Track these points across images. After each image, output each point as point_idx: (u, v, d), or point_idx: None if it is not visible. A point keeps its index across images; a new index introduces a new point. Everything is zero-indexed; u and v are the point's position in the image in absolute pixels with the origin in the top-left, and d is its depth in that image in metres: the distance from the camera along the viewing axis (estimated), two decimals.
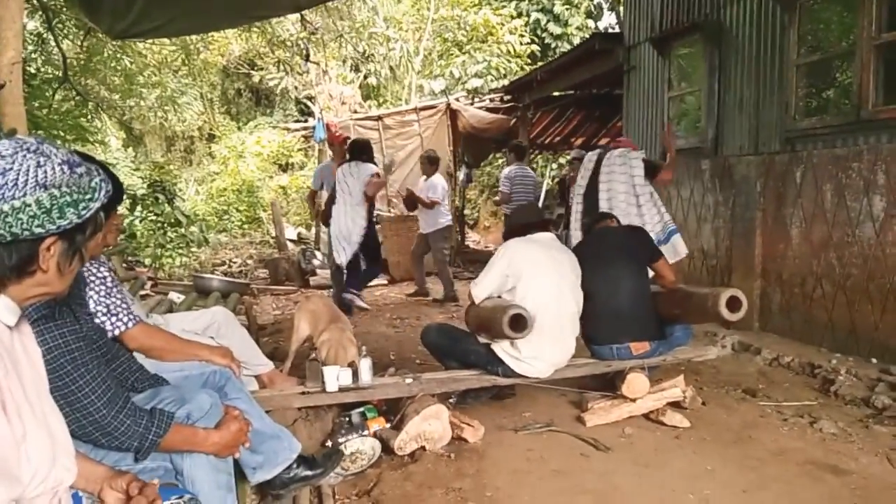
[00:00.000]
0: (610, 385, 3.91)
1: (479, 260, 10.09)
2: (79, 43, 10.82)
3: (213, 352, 2.60)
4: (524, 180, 8.29)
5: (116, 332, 2.45)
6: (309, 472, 2.65)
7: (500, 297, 3.72)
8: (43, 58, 10.71)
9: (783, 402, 3.99)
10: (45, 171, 1.18)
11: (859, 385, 4.11)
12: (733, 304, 3.51)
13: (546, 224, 4.14)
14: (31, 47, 10.05)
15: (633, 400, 3.67)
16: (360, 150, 6.64)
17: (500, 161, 16.41)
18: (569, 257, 3.91)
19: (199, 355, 2.56)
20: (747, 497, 2.78)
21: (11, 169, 1.16)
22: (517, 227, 4.01)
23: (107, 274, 2.54)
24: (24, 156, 1.18)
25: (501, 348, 3.62)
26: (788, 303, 5.26)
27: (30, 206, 1.16)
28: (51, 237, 1.22)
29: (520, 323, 3.30)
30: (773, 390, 4.25)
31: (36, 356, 1.38)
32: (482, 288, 3.75)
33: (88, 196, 1.24)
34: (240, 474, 2.40)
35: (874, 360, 4.43)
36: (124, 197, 9.96)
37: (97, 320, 2.42)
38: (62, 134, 8.85)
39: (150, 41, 11.76)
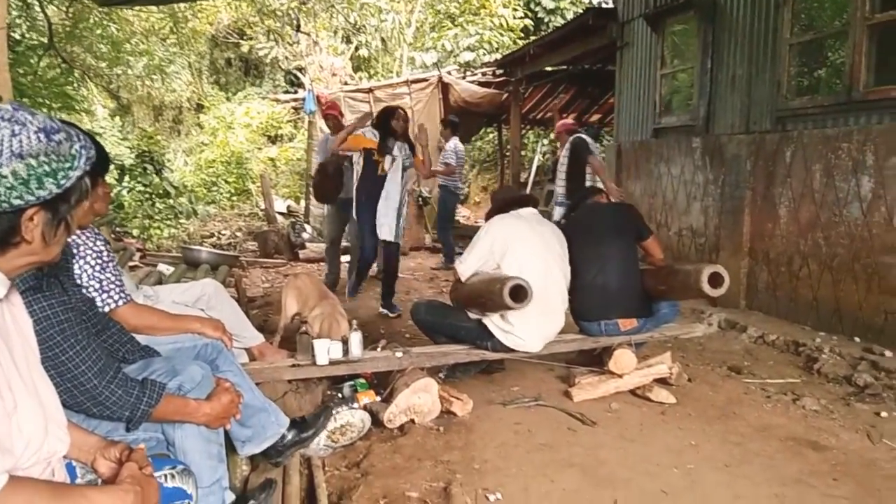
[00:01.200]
0: (597, 361, 3.96)
1: (468, 235, 10.05)
2: (64, 9, 10.64)
3: (204, 324, 2.60)
4: (460, 154, 8.66)
5: (107, 308, 2.43)
6: (301, 435, 2.68)
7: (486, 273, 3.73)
8: (28, 24, 10.51)
9: (767, 380, 4.05)
10: (21, 141, 1.15)
11: (842, 363, 4.18)
12: (715, 280, 3.53)
13: (528, 199, 4.17)
14: (15, 13, 9.84)
15: (621, 376, 3.71)
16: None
17: (490, 135, 16.37)
18: (553, 230, 3.94)
19: (191, 328, 2.56)
20: (730, 471, 2.83)
21: None
22: (500, 204, 4.02)
23: (102, 248, 2.52)
24: None
25: (492, 322, 3.65)
26: (775, 281, 5.31)
27: (6, 177, 1.13)
28: (32, 208, 1.19)
29: (520, 293, 3.31)
30: (758, 368, 4.31)
31: (26, 327, 1.38)
32: (468, 265, 3.77)
33: (68, 164, 1.21)
34: (231, 446, 2.42)
35: (857, 339, 4.50)
36: (112, 167, 9.91)
37: (89, 295, 2.41)
38: (47, 102, 8.73)
39: (138, 8, 11.56)
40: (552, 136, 13.46)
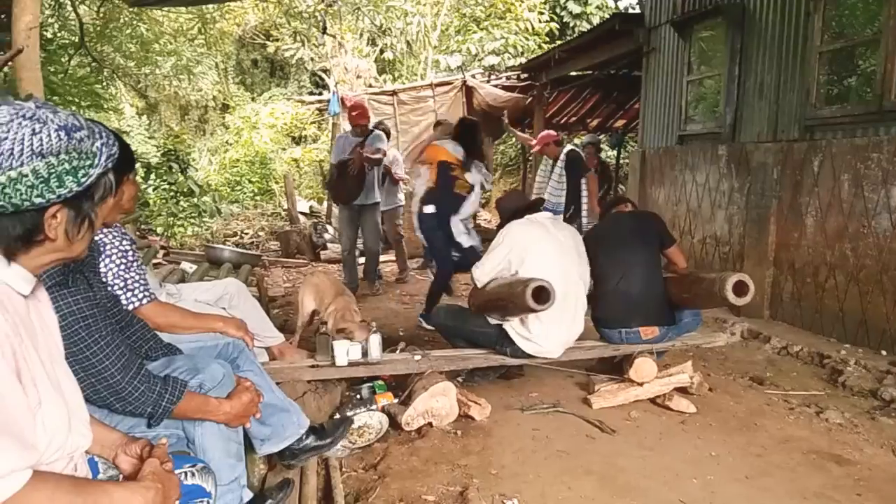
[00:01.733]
0: (617, 368, 3.93)
1: (489, 238, 10.06)
2: (95, 9, 10.81)
3: (227, 323, 2.62)
4: None
5: (131, 307, 2.46)
6: (318, 442, 2.68)
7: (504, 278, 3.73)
8: (59, 23, 10.71)
9: (790, 391, 3.99)
10: (41, 139, 1.14)
11: (868, 376, 4.11)
12: (740, 288, 3.49)
13: (537, 204, 4.18)
14: (47, 12, 10.03)
15: (641, 384, 3.68)
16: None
17: (513, 139, 16.33)
18: (571, 234, 3.91)
19: (214, 327, 2.58)
20: (750, 483, 2.80)
21: (6, 138, 1.12)
22: (511, 211, 4.01)
23: (128, 247, 2.55)
24: (20, 123, 1.14)
25: (512, 328, 3.64)
26: (800, 292, 5.24)
27: (27, 176, 1.13)
28: (55, 205, 1.19)
29: (543, 294, 3.28)
30: (781, 379, 4.25)
31: (52, 323, 1.40)
32: (484, 271, 3.77)
33: (88, 162, 1.20)
34: (248, 445, 2.44)
35: (884, 353, 4.42)
36: (138, 165, 10.04)
37: (113, 292, 2.44)
38: (77, 100, 8.88)
39: (167, 9, 11.72)
40: (576, 140, 13.43)
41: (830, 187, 4.93)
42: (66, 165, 1.17)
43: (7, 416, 1.10)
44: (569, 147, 6.77)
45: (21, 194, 1.13)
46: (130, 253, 2.57)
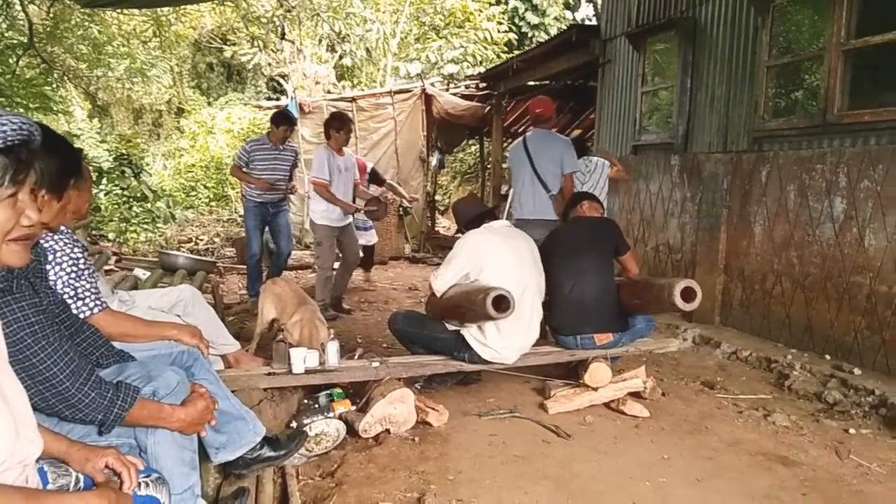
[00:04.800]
0: (573, 373, 3.99)
1: (448, 246, 10.10)
2: (45, 9, 10.54)
3: (181, 331, 2.58)
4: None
5: (82, 316, 2.40)
6: (273, 453, 2.66)
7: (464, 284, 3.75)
8: (7, 23, 10.40)
9: (739, 395, 4.10)
10: None
11: (812, 380, 4.25)
12: (688, 294, 3.58)
13: (494, 212, 4.23)
14: None
15: (595, 389, 3.74)
16: None
17: (472, 148, 16.43)
18: (527, 243, 3.94)
19: (168, 335, 2.53)
20: (701, 485, 2.87)
21: None
22: (469, 218, 4.01)
23: (80, 255, 2.49)
24: None
25: (470, 334, 3.66)
26: (749, 298, 5.39)
27: None
28: None
29: (503, 303, 3.32)
30: (731, 383, 4.37)
31: None
32: (443, 281, 3.78)
33: None
34: (203, 454, 2.40)
35: (828, 357, 4.57)
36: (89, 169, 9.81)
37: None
38: (24, 102, 8.64)
39: (120, 10, 11.49)
40: None
41: (777, 197, 5.09)
42: None
43: None
44: None
45: None
46: (82, 261, 2.51)
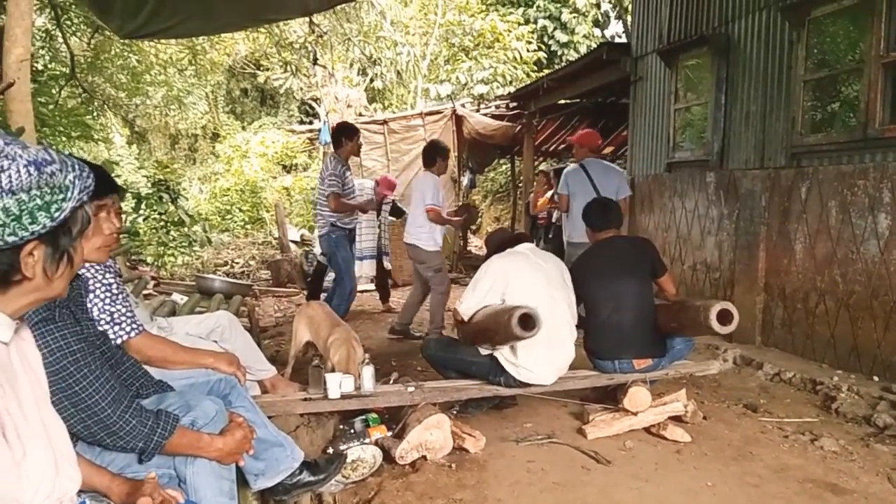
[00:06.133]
0: (611, 397, 3.91)
1: (478, 266, 10.08)
2: (86, 40, 10.87)
3: (218, 359, 2.60)
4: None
5: (119, 340, 2.44)
6: (312, 478, 2.65)
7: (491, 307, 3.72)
8: (50, 54, 10.75)
9: (784, 419, 3.98)
10: (10, 176, 1.11)
11: (861, 403, 4.11)
12: (724, 317, 3.50)
13: (522, 237, 4.22)
14: (38, 43, 10.07)
15: (635, 413, 3.66)
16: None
17: (504, 167, 16.44)
18: (555, 263, 3.93)
19: (205, 363, 2.56)
20: None
21: None
22: (496, 246, 4.05)
23: (112, 280, 2.53)
24: None
25: (503, 356, 3.63)
26: (791, 318, 5.26)
27: None
28: (31, 242, 1.16)
29: (529, 322, 3.29)
30: (775, 406, 4.25)
31: (36, 362, 1.37)
32: (468, 305, 3.78)
33: (61, 196, 1.17)
34: (241, 480, 2.40)
35: (876, 378, 4.42)
36: (129, 195, 10.02)
37: (100, 328, 2.42)
38: (67, 131, 8.88)
39: (157, 41, 11.79)
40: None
41: (818, 214, 4.97)
42: (38, 201, 1.14)
43: None
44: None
45: None
46: (115, 286, 2.54)
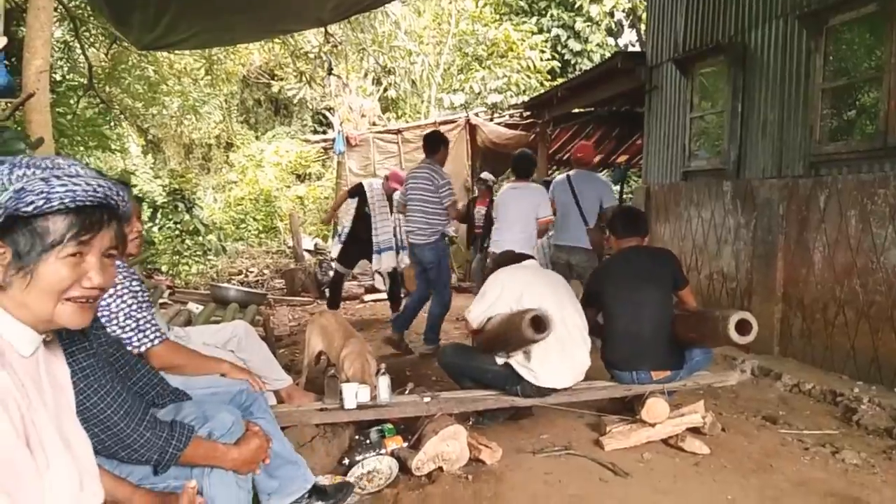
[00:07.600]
0: (629, 409, 3.88)
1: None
2: (104, 51, 10.98)
3: (232, 365, 2.63)
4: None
5: (143, 348, 2.46)
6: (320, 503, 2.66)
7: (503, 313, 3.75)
8: (68, 65, 10.87)
9: (804, 431, 3.93)
10: None
11: (882, 415, 4.05)
12: (743, 327, 3.45)
13: (526, 256, 4.29)
14: (57, 55, 10.19)
15: (653, 425, 3.62)
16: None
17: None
18: (558, 277, 4.11)
19: (220, 369, 2.59)
20: None
21: None
22: (503, 263, 4.16)
23: (139, 288, 2.55)
24: None
25: (518, 363, 3.62)
26: (810, 328, 5.19)
27: None
28: None
29: (541, 323, 3.30)
30: (794, 418, 4.19)
31: (64, 378, 1.38)
32: (476, 314, 3.84)
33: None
34: (253, 500, 2.40)
35: None
36: (144, 205, 10.10)
37: (125, 334, 2.43)
38: (84, 140, 8.96)
39: (173, 51, 11.90)
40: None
41: (837, 223, 4.92)
42: None
43: (12, 484, 1.08)
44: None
45: None
46: (141, 293, 2.57)
